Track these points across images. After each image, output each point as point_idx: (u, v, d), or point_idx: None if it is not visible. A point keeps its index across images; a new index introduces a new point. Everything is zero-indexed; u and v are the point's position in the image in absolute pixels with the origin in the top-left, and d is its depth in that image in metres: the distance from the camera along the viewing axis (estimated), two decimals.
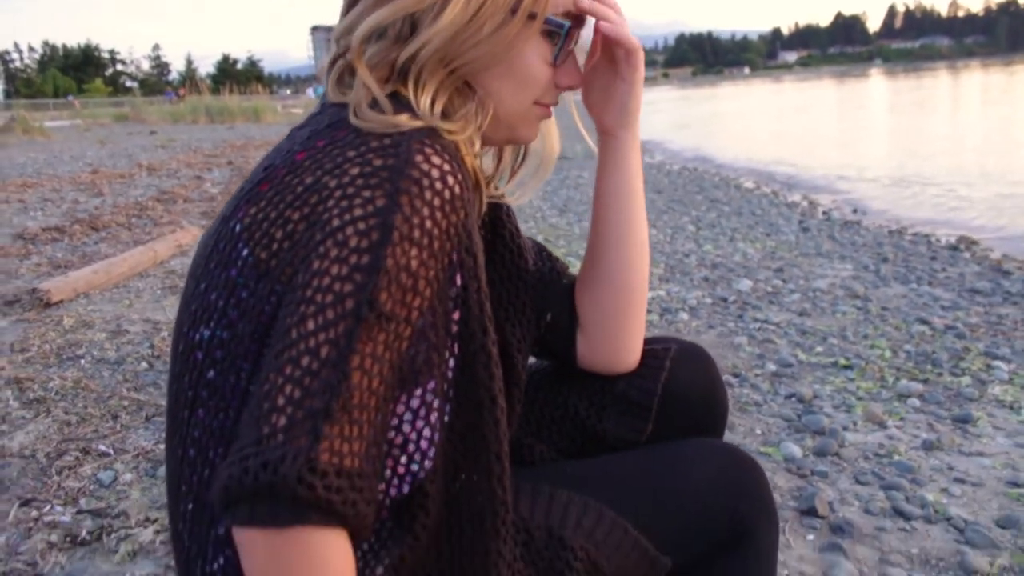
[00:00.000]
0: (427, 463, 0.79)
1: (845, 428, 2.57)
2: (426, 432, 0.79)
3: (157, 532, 1.86)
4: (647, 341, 1.09)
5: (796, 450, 2.39)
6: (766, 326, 3.63)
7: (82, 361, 2.97)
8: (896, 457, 2.37)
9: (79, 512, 1.96)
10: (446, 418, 0.80)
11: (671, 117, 23.91)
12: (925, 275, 4.67)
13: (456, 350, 0.80)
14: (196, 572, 0.83)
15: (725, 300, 4.08)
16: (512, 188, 1.05)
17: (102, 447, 2.28)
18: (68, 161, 11.61)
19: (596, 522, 0.89)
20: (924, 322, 3.70)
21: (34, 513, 1.95)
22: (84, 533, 1.86)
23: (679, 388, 1.07)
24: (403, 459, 0.78)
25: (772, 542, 0.97)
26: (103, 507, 1.98)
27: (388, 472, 0.78)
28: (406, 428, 0.78)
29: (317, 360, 0.69)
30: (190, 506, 0.83)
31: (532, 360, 1.11)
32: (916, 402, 2.80)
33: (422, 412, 0.78)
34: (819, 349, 3.33)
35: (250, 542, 0.68)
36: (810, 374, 3.05)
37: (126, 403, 2.58)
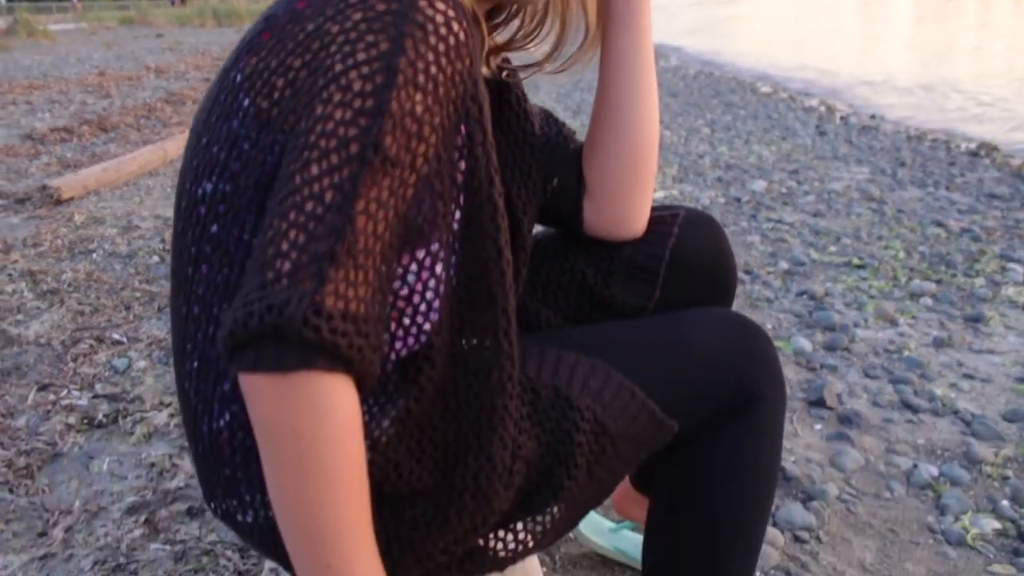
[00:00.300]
0: (433, 315, 0.78)
1: (856, 325, 2.57)
2: (432, 284, 0.78)
3: (171, 415, 1.90)
4: (654, 208, 1.08)
5: (806, 344, 2.39)
6: (779, 226, 3.60)
7: (94, 255, 2.98)
8: (906, 353, 2.38)
9: (95, 396, 1.99)
10: (452, 271, 0.79)
11: (687, 22, 23.28)
12: (943, 179, 4.59)
13: (462, 201, 0.78)
14: (203, 429, 0.83)
15: (739, 200, 4.04)
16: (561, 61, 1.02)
17: (116, 336, 2.31)
18: (74, 64, 11.45)
19: (603, 383, 0.88)
20: (940, 224, 3.66)
21: (51, 397, 1.98)
22: (100, 416, 1.90)
23: (687, 255, 1.06)
24: (409, 311, 0.77)
25: (779, 409, 0.97)
26: (118, 392, 2.01)
27: (394, 325, 0.78)
28: (411, 279, 0.77)
29: (321, 205, 0.68)
30: (195, 364, 0.83)
31: (539, 228, 1.10)
32: (928, 301, 2.79)
33: (427, 262, 0.77)
34: (832, 249, 3.31)
35: (255, 388, 0.68)
36: (822, 272, 3.03)
37: (138, 294, 2.60)
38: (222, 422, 0.81)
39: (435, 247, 0.77)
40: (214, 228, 0.79)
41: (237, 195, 0.77)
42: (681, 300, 1.05)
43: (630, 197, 1.03)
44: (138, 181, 4.22)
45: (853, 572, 1.47)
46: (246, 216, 0.77)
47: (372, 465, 0.77)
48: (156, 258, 2.95)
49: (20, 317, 2.42)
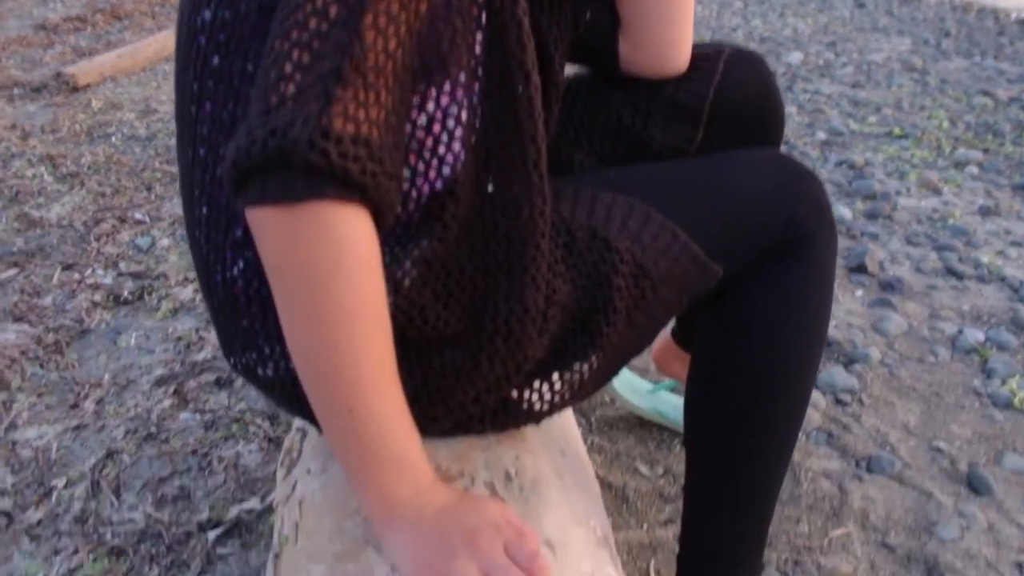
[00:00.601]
0: (455, 145, 0.72)
1: (898, 193, 2.48)
2: (453, 111, 0.71)
3: (196, 291, 1.87)
4: (697, 46, 0.99)
5: (846, 212, 2.30)
6: (816, 97, 3.45)
7: (113, 139, 2.92)
8: (950, 221, 2.29)
9: (120, 275, 1.97)
10: (475, 99, 0.72)
11: None
12: (990, 49, 4.38)
13: (483, 21, 0.70)
14: (216, 280, 0.78)
15: (774, 72, 3.87)
16: None
17: (138, 215, 2.27)
18: None
19: (642, 224, 0.82)
20: (987, 94, 3.50)
21: (76, 276, 1.96)
22: (126, 293, 1.88)
23: (732, 94, 0.98)
24: (429, 143, 0.71)
25: (830, 254, 0.90)
26: (142, 270, 1.98)
27: (413, 159, 0.71)
28: (431, 107, 0.70)
29: (326, 21, 0.61)
30: (204, 210, 0.78)
31: (571, 70, 1.02)
32: (974, 170, 2.68)
33: (447, 88, 0.70)
34: (872, 119, 3.17)
35: (263, 222, 0.62)
36: (862, 143, 2.92)
37: (159, 175, 2.55)
38: (236, 270, 0.77)
39: (456, 71, 0.70)
40: (215, 60, 0.73)
41: (238, 21, 0.70)
42: (725, 142, 0.98)
43: (668, 30, 0.93)
44: (155, 67, 4.12)
45: (896, 434, 1.44)
46: (249, 44, 0.70)
47: (395, 310, 0.72)
48: (176, 140, 2.90)
49: (41, 200, 2.38)
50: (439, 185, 0.73)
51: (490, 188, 0.74)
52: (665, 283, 0.82)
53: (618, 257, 0.79)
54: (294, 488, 0.89)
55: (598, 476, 1.31)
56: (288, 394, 0.79)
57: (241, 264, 0.76)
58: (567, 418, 1.03)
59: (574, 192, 0.83)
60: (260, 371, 0.80)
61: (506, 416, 0.82)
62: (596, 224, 0.81)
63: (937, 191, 2.51)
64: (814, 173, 0.91)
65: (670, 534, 1.22)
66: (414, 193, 0.72)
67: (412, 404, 0.70)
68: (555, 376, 0.82)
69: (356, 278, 0.62)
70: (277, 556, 0.83)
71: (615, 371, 0.87)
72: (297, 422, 1.02)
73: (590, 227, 0.80)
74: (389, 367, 0.66)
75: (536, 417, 0.84)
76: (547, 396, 0.83)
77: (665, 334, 1.34)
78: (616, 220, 0.81)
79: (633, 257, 0.80)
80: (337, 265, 0.61)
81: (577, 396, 0.85)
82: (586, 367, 0.82)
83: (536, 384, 0.82)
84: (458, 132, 0.71)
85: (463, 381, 0.76)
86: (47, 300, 1.86)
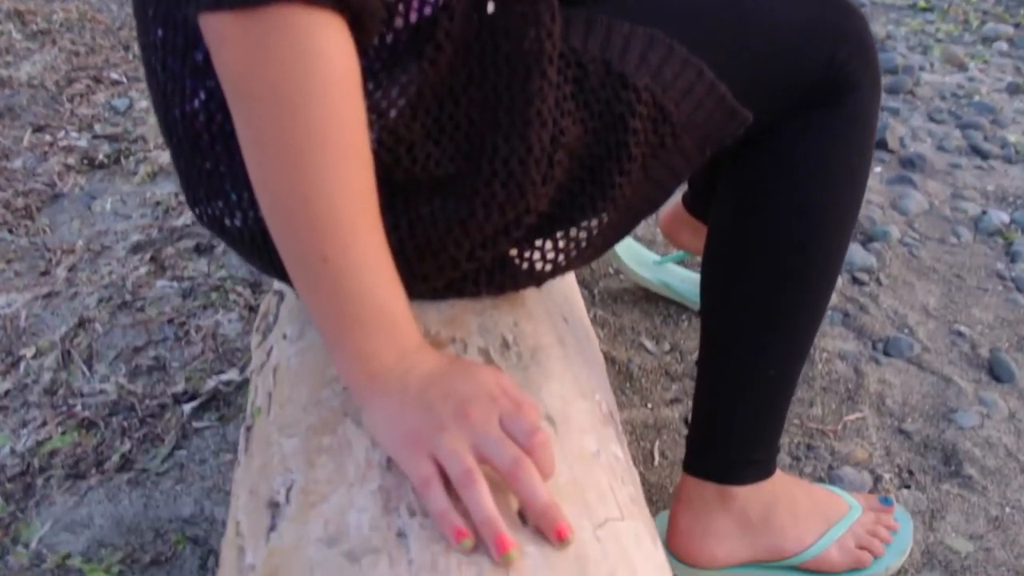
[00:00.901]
0: None
1: (921, 68, 2.34)
2: None
3: None
4: None
5: None
6: None
7: None
8: (976, 98, 2.16)
9: (95, 137, 1.85)
10: None
11: None
12: None
13: None
14: (175, 114, 0.68)
15: None
16: None
17: (114, 76, 2.13)
18: None
19: (664, 59, 0.71)
20: None
21: (48, 138, 1.85)
22: (101, 156, 1.77)
23: None
24: None
25: (874, 103, 0.80)
26: (119, 132, 1.87)
27: None
28: None
29: None
30: (160, 32, 0.66)
31: None
32: (1003, 46, 2.54)
33: None
34: None
35: (220, 33, 0.51)
36: (884, 15, 2.75)
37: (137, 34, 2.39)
38: (196, 103, 0.66)
39: None
40: None
41: None
42: None
43: None
44: None
45: (915, 316, 1.36)
46: None
47: (380, 146, 0.62)
48: None
49: (9, 59, 2.24)
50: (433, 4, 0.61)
51: (490, 8, 0.63)
52: (687, 129, 0.72)
53: (635, 96, 0.69)
54: (269, 355, 0.81)
55: (601, 351, 1.23)
56: (259, 247, 0.69)
57: (203, 95, 0.65)
58: (570, 283, 0.94)
59: (587, 20, 0.72)
60: (227, 221, 0.70)
61: (504, 276, 0.73)
62: (611, 57, 0.69)
63: (963, 67, 2.38)
64: (858, 9, 0.79)
65: (676, 414, 1.16)
66: (401, 8, 0.61)
67: (397, 258, 0.60)
68: (559, 233, 0.72)
69: (329, 98, 0.52)
70: (249, 429, 0.75)
71: (625, 230, 0.78)
72: (276, 285, 0.93)
73: (604, 60, 0.69)
74: (370, 209, 0.56)
75: (537, 279, 0.75)
76: (550, 255, 0.73)
77: (675, 200, 1.24)
78: (634, 53, 0.70)
79: (652, 97, 0.69)
80: (307, 82, 0.51)
81: (583, 257, 0.76)
82: (594, 223, 0.72)
83: (539, 242, 0.72)
84: None
85: (456, 232, 0.66)
86: (17, 163, 1.75)
